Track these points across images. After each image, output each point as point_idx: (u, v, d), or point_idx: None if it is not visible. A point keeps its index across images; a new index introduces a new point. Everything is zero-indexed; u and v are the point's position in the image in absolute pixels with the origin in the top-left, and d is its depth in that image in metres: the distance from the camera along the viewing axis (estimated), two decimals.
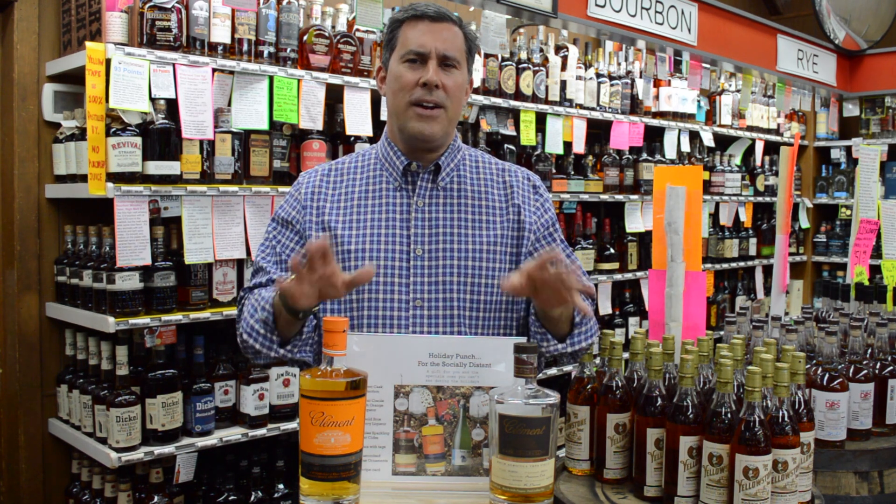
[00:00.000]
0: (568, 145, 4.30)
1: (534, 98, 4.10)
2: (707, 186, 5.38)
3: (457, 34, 1.86)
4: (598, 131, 4.77)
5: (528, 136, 4.04)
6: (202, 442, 2.92)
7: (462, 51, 1.87)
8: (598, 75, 4.50)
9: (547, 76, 4.17)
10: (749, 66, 5.38)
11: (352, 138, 3.37)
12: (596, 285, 4.47)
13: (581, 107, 4.39)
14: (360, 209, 1.88)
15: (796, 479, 1.61)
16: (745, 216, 5.67)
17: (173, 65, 2.81)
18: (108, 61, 2.67)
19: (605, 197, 4.52)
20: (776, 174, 5.95)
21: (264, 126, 3.06)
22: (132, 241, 2.74)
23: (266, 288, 1.85)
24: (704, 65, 5.10)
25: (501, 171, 1.98)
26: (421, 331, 1.82)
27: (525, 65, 4.06)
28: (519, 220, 1.92)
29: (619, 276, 4.60)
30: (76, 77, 2.94)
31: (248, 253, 3.04)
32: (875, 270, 3.84)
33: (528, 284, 1.65)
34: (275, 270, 1.89)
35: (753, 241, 5.84)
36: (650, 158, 4.82)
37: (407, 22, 1.85)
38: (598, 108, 4.48)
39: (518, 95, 4.03)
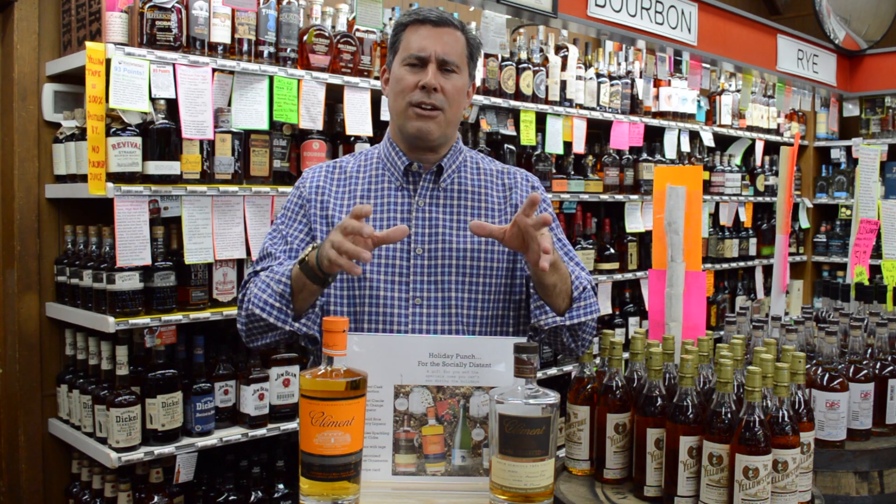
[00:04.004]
0: (568, 145, 4.30)
1: (534, 98, 4.10)
2: (707, 186, 5.38)
3: (458, 39, 1.89)
4: (598, 131, 4.77)
5: (528, 136, 4.04)
6: (202, 442, 2.92)
7: (463, 55, 1.89)
8: (598, 75, 4.50)
9: (547, 76, 4.17)
10: (749, 66, 5.38)
11: (352, 138, 3.37)
12: (596, 285, 4.44)
13: (581, 107, 4.39)
14: None
15: (796, 479, 1.61)
16: (745, 216, 5.67)
17: (173, 65, 2.81)
18: (108, 61, 2.67)
19: (605, 197, 4.51)
20: (776, 174, 5.95)
21: (264, 126, 3.06)
22: (132, 241, 2.74)
23: (273, 267, 1.84)
24: (704, 65, 5.10)
25: (501, 174, 2.01)
26: (420, 329, 1.84)
27: (525, 65, 4.06)
28: None
29: (619, 276, 4.59)
30: (76, 77, 2.94)
31: (248, 253, 3.04)
32: (875, 270, 3.84)
33: (512, 232, 1.67)
34: (284, 256, 1.91)
35: (753, 241, 5.84)
36: (650, 158, 4.82)
37: (410, 26, 1.89)
38: (598, 108, 4.48)
39: (518, 95, 4.03)
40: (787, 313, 4.28)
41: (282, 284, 1.76)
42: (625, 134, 4.59)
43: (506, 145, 4.09)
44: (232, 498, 3.07)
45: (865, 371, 2.29)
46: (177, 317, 2.87)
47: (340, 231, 1.60)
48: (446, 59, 1.85)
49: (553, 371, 4.24)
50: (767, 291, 5.90)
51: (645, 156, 4.81)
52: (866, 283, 3.41)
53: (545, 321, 1.83)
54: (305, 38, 3.18)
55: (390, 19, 3.53)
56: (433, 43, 1.84)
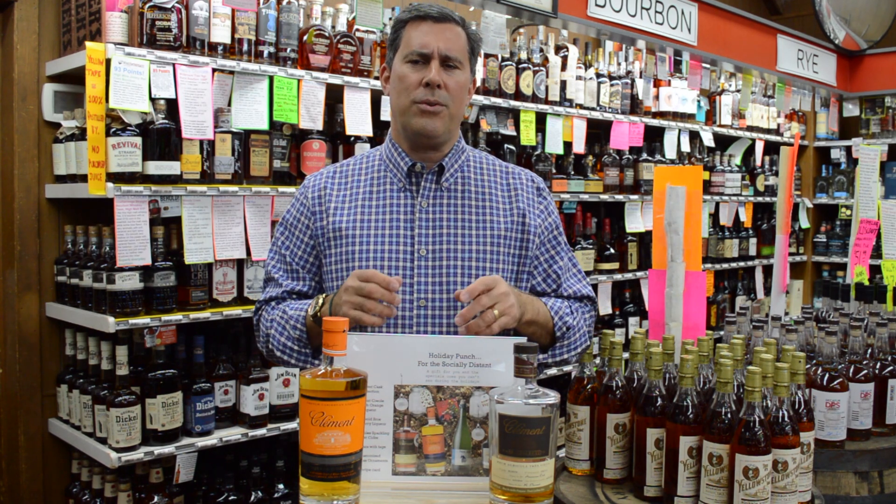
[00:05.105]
0: (568, 145, 4.30)
1: (534, 98, 4.10)
2: (707, 186, 5.38)
3: (459, 34, 1.88)
4: (598, 131, 4.77)
5: (528, 136, 4.04)
6: (202, 442, 2.92)
7: (464, 51, 1.89)
8: (598, 75, 4.50)
9: (547, 76, 4.17)
10: (749, 66, 5.38)
11: (352, 138, 3.37)
12: (596, 285, 4.47)
13: (581, 107, 4.39)
14: (365, 210, 1.89)
15: (796, 479, 1.61)
16: (745, 216, 5.67)
17: (173, 65, 2.81)
18: (108, 61, 2.67)
19: (605, 197, 4.51)
20: (776, 174, 5.95)
21: (264, 126, 3.06)
22: (132, 241, 2.74)
23: (287, 304, 1.91)
24: (704, 65, 5.10)
25: (505, 173, 2.00)
26: (425, 331, 1.84)
27: (525, 65, 4.06)
28: (524, 223, 1.93)
29: (619, 276, 4.59)
30: (76, 77, 2.94)
31: (248, 253, 3.04)
32: (875, 270, 3.84)
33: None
34: (286, 281, 1.95)
35: (753, 241, 5.84)
36: (650, 158, 4.82)
37: (410, 23, 1.87)
38: (598, 108, 4.48)
39: (518, 95, 4.03)
40: (787, 313, 4.28)
41: (298, 330, 1.85)
42: (625, 134, 4.59)
43: (506, 145, 4.09)
44: (232, 498, 3.07)
45: (865, 371, 2.29)
46: (177, 317, 2.87)
47: (355, 292, 1.67)
48: (449, 54, 1.84)
49: (553, 371, 4.24)
50: (767, 291, 5.90)
51: (645, 156, 4.81)
52: (866, 283, 3.41)
53: None
54: (305, 38, 3.18)
55: (390, 19, 3.52)
56: (435, 39, 1.84)
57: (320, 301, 1.81)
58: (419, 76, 1.83)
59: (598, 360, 1.91)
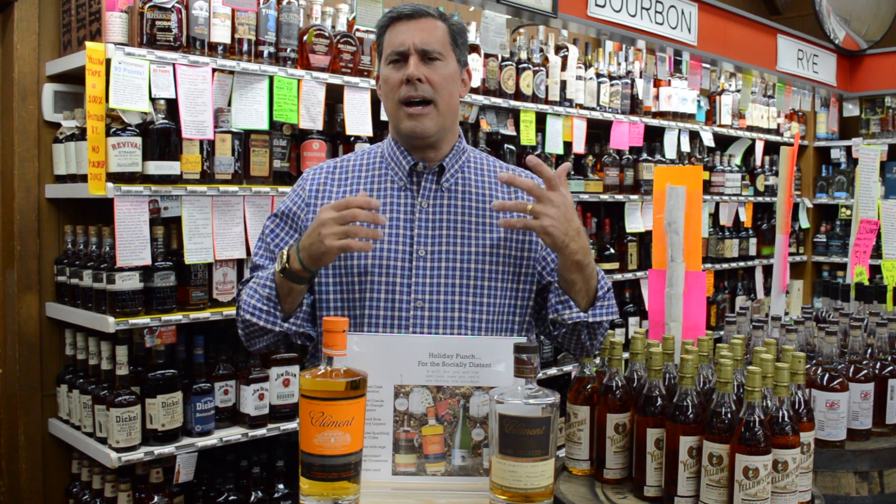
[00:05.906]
0: (568, 145, 4.30)
1: (534, 98, 4.10)
2: (707, 186, 5.38)
3: (437, 27, 1.86)
4: (598, 131, 4.77)
5: (528, 136, 4.04)
6: (202, 442, 2.92)
7: (445, 42, 1.86)
8: (598, 75, 4.50)
9: (547, 76, 4.17)
10: (749, 66, 5.38)
11: (352, 138, 3.37)
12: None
13: (581, 107, 4.39)
14: None
15: (796, 479, 1.61)
16: (745, 216, 5.67)
17: (173, 65, 2.81)
18: (108, 61, 2.67)
19: (605, 197, 4.52)
20: (776, 174, 5.95)
21: (264, 126, 3.06)
22: (132, 241, 2.74)
23: (260, 273, 1.88)
24: (704, 65, 5.10)
25: None
26: (421, 332, 1.83)
27: (525, 65, 4.06)
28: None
29: (619, 276, 4.60)
30: (76, 77, 2.94)
31: (248, 253, 3.04)
32: (875, 270, 3.84)
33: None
34: (270, 268, 1.91)
35: (753, 241, 5.85)
36: (650, 158, 4.82)
37: (389, 27, 1.88)
38: (598, 108, 4.48)
39: (518, 95, 4.03)
40: (787, 313, 4.28)
41: (267, 288, 1.80)
42: (625, 134, 4.59)
43: (506, 145, 4.09)
44: (232, 498, 3.07)
45: (865, 371, 2.29)
46: (177, 317, 2.87)
47: (336, 221, 1.63)
48: (426, 48, 1.82)
49: (553, 371, 4.24)
50: (767, 291, 5.90)
51: (645, 156, 4.82)
52: (866, 283, 3.41)
53: (568, 315, 1.83)
54: (305, 38, 3.18)
55: None
56: (410, 35, 1.83)
57: (285, 255, 1.75)
58: (400, 75, 1.82)
59: (598, 360, 1.91)
